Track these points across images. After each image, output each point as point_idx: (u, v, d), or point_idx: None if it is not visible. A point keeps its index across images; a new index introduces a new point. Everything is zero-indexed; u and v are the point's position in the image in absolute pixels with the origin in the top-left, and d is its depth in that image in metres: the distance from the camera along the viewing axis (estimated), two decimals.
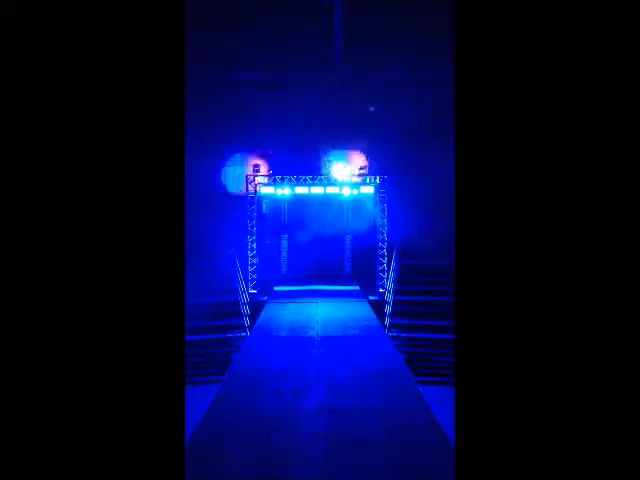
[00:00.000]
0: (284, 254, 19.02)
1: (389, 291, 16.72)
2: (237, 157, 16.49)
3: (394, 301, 15.81)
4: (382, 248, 17.91)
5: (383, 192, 17.78)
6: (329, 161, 17.52)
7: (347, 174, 17.72)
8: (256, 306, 15.73)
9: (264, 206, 18.59)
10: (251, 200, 17.87)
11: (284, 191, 18.00)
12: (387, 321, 15.30)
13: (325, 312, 13.26)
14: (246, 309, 15.83)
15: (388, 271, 17.47)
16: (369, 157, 17.26)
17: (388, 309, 15.88)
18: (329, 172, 17.73)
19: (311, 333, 10.90)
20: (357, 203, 18.50)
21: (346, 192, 17.99)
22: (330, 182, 17.86)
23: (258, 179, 17.82)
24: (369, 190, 17.97)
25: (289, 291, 17.17)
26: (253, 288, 17.75)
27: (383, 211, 17.87)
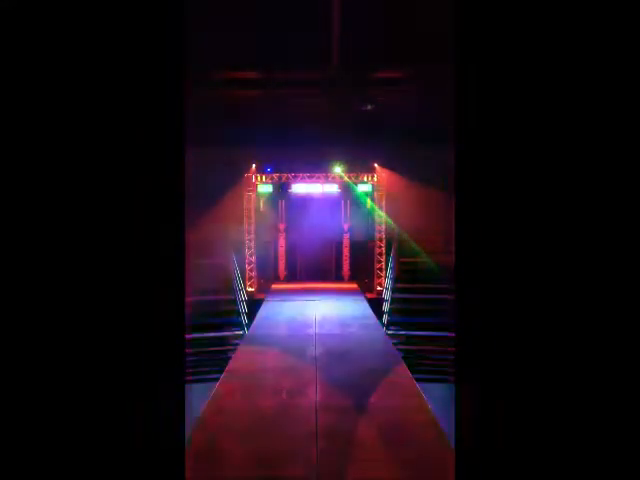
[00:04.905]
0: (282, 252, 18.99)
1: (387, 289, 16.71)
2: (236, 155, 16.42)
3: (392, 299, 15.80)
4: (380, 246, 17.90)
5: (381, 190, 17.77)
6: (327, 159, 17.48)
7: (345, 171, 17.70)
8: (254, 304, 15.70)
9: (262, 204, 18.55)
10: (248, 198, 17.84)
11: (282, 189, 17.98)
12: (385, 319, 15.29)
13: (323, 310, 13.25)
14: (244, 307, 15.80)
15: (386, 269, 17.48)
16: (367, 154, 17.23)
17: (386, 307, 15.87)
18: (327, 170, 17.70)
19: (309, 331, 10.88)
20: (355, 201, 18.49)
21: (343, 190, 18.00)
22: (328, 180, 17.85)
23: (256, 177, 17.80)
24: (367, 188, 17.96)
25: (287, 289, 17.15)
26: (251, 286, 17.72)
27: (381, 209, 17.86)
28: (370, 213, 18.25)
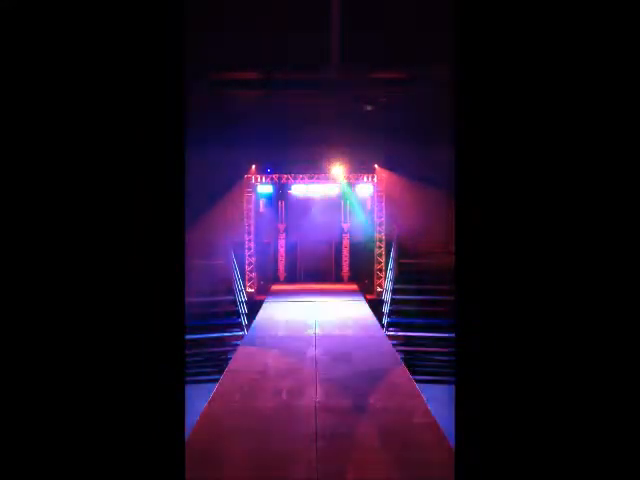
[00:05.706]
0: (282, 253, 18.99)
1: (387, 290, 16.70)
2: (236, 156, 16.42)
3: (392, 300, 15.79)
4: (380, 247, 17.90)
5: (381, 191, 17.77)
6: (327, 160, 17.47)
7: (345, 172, 17.70)
8: (254, 305, 15.69)
9: (261, 205, 18.56)
10: (248, 199, 17.85)
11: (281, 190, 17.99)
12: (385, 320, 15.28)
13: (323, 311, 13.24)
14: (243, 308, 15.80)
15: (386, 270, 17.47)
16: (367, 155, 17.22)
17: (386, 308, 15.86)
18: (327, 171, 17.70)
19: (309, 332, 10.87)
20: (355, 202, 18.49)
21: (343, 190, 18.00)
22: (328, 181, 17.85)
23: (256, 178, 17.81)
24: (367, 189, 17.97)
25: (287, 290, 17.14)
26: (250, 287, 17.71)
27: (381, 210, 17.86)
28: (370, 214, 18.25)
